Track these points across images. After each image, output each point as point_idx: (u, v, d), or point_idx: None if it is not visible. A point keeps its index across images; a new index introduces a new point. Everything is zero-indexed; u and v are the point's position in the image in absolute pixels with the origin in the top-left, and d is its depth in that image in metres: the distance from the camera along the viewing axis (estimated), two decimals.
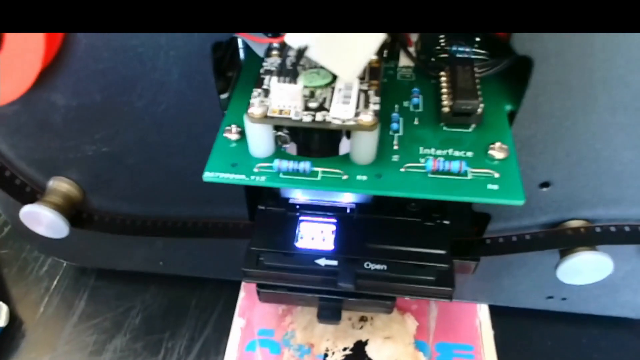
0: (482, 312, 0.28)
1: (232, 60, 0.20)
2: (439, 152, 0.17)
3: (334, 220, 0.22)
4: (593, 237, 0.20)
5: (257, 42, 0.17)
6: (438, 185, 0.16)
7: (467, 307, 0.28)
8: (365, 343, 0.26)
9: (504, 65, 0.18)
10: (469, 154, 0.17)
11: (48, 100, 0.19)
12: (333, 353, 0.26)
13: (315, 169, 0.16)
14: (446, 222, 0.22)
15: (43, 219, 0.22)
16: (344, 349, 0.26)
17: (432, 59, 0.19)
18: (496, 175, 0.16)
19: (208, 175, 0.17)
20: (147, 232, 0.24)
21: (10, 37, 0.16)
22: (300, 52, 0.14)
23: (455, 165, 0.16)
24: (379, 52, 0.17)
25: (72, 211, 0.23)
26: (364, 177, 0.16)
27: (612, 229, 0.21)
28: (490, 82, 0.19)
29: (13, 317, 0.28)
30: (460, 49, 0.19)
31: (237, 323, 0.27)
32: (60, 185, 0.22)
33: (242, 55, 0.21)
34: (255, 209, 0.23)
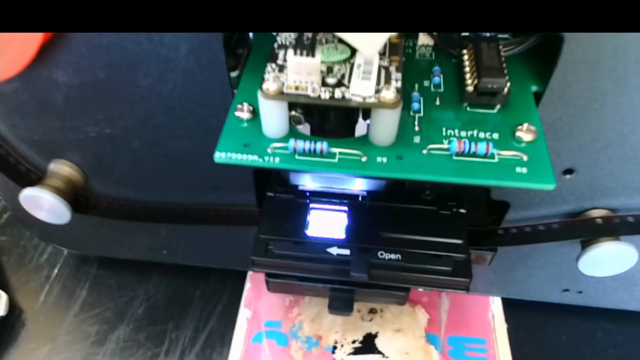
0: (495, 305, 0.27)
1: (241, 37, 0.19)
2: (462, 133, 0.16)
3: (345, 208, 0.21)
4: (617, 227, 0.20)
5: None
6: (463, 169, 0.15)
7: (479, 299, 0.27)
8: (375, 336, 0.26)
9: (530, 43, 0.17)
10: (495, 135, 0.16)
11: (49, 78, 0.18)
12: (342, 345, 0.25)
13: (333, 149, 0.16)
14: (462, 210, 0.21)
15: (44, 203, 0.21)
16: (353, 342, 0.25)
17: (454, 37, 0.18)
18: (525, 157, 0.15)
19: (219, 156, 0.16)
20: (151, 218, 0.23)
21: None
22: None
23: (481, 147, 0.15)
24: None
25: (74, 196, 0.22)
26: (384, 159, 0.15)
27: (633, 219, 0.20)
28: (515, 62, 0.18)
29: (13, 306, 0.27)
30: None
31: (244, 314, 0.27)
32: (62, 168, 0.22)
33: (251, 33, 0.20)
34: (263, 195, 0.22)
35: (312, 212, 0.21)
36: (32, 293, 0.28)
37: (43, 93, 0.19)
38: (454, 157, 0.15)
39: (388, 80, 0.15)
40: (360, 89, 0.14)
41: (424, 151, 0.15)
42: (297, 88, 0.15)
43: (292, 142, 0.15)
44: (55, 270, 0.29)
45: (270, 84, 0.15)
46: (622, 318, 0.26)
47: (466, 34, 0.18)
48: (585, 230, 0.20)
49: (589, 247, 0.20)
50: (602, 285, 0.24)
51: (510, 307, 0.27)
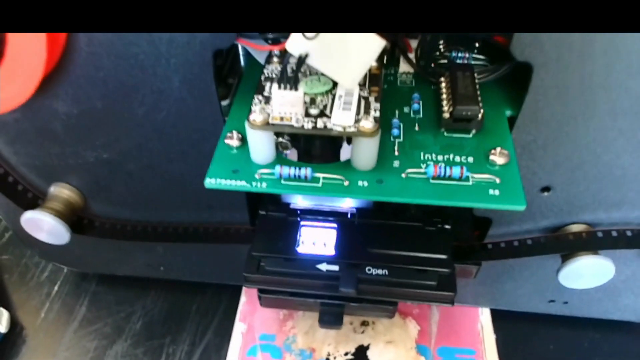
0: (484, 316, 0.28)
1: (232, 67, 0.20)
2: (439, 157, 0.17)
3: (334, 225, 0.22)
4: (595, 241, 0.20)
5: (258, 49, 0.17)
6: (439, 191, 0.16)
7: (468, 311, 0.28)
8: (367, 348, 0.26)
9: (503, 71, 0.18)
10: (470, 159, 0.17)
11: (49, 108, 0.19)
12: (335, 358, 0.26)
13: (317, 174, 0.16)
14: (447, 226, 0.22)
15: (44, 225, 0.22)
16: (346, 354, 0.26)
17: (432, 65, 0.19)
18: (497, 180, 0.16)
19: (210, 182, 0.17)
20: (147, 237, 0.24)
21: (12, 45, 0.16)
22: (301, 60, 0.14)
23: (456, 171, 0.16)
24: (379, 59, 0.17)
25: (73, 217, 0.23)
26: (365, 183, 0.16)
27: (614, 233, 0.21)
28: (490, 88, 0.19)
29: (14, 323, 0.28)
30: (460, 54, 0.19)
31: (238, 328, 0.27)
32: (61, 191, 0.22)
33: (242, 62, 0.21)
34: (256, 214, 0.23)
35: (302, 229, 0.22)
36: (32, 310, 0.28)
37: (43, 122, 0.20)
38: (431, 181, 0.16)
39: (367, 110, 0.16)
40: (341, 119, 0.15)
41: (403, 175, 0.16)
42: (281, 119, 0.16)
43: (278, 169, 0.16)
44: (56, 288, 0.29)
45: (256, 115, 0.16)
46: (609, 327, 0.27)
47: (444, 61, 0.19)
48: (564, 245, 0.21)
49: (569, 261, 0.21)
50: (586, 295, 0.25)
51: (499, 318, 0.27)
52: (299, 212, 0.23)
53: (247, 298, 0.28)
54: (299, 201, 0.23)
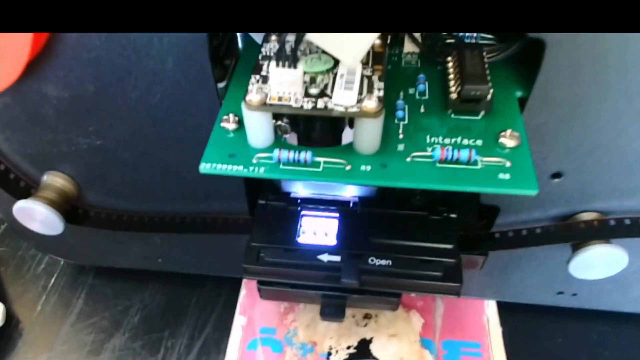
0: (490, 308, 0.27)
1: (229, 48, 0.19)
2: (446, 140, 0.16)
3: (336, 214, 0.22)
4: (607, 230, 0.20)
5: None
6: (446, 175, 0.15)
7: (474, 303, 0.27)
8: (370, 341, 0.26)
9: (514, 50, 0.17)
10: (479, 142, 0.16)
11: (39, 92, 0.18)
12: (337, 351, 0.25)
13: (317, 159, 0.16)
14: (453, 215, 0.21)
15: (37, 215, 0.21)
16: (348, 347, 0.25)
17: (439, 44, 0.18)
18: (508, 164, 0.15)
19: (205, 167, 0.16)
20: (144, 228, 0.23)
21: None
22: (300, 36, 0.13)
23: (464, 154, 0.15)
24: (383, 37, 0.17)
25: (67, 207, 0.22)
26: (368, 167, 0.16)
27: (627, 221, 0.20)
28: (499, 68, 0.18)
29: (10, 316, 0.27)
30: (468, 33, 0.18)
31: (239, 321, 0.27)
32: (55, 180, 0.22)
33: (240, 42, 0.20)
34: (255, 203, 0.22)
35: (303, 219, 0.22)
36: (29, 303, 0.28)
37: (34, 107, 0.19)
38: (437, 165, 0.15)
39: (370, 90, 0.15)
40: (343, 99, 0.15)
41: (408, 159, 0.16)
42: (280, 99, 0.15)
43: (276, 152, 0.16)
44: (52, 280, 0.29)
45: (253, 95, 0.15)
46: (618, 320, 0.26)
47: (451, 40, 0.18)
48: (574, 234, 0.20)
49: (580, 250, 0.20)
50: (596, 287, 0.24)
51: (505, 310, 0.26)
52: (299, 201, 0.22)
53: (247, 291, 0.28)
54: (300, 190, 0.22)
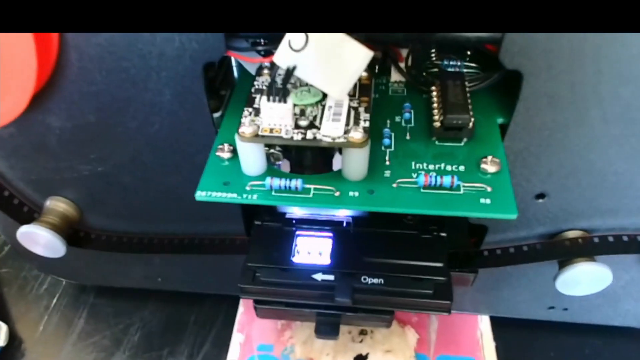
0: (484, 323, 0.27)
1: (225, 79, 0.20)
2: (431, 166, 0.17)
3: (330, 234, 0.22)
4: (591, 247, 0.20)
5: (248, 61, 0.17)
6: (431, 201, 0.16)
7: (467, 318, 0.28)
8: (366, 357, 0.26)
9: (494, 79, 0.18)
10: (461, 168, 0.17)
11: (43, 123, 0.19)
12: None
13: (307, 186, 0.16)
14: (443, 234, 0.22)
15: (40, 239, 0.22)
16: None
17: (424, 74, 0.19)
18: (488, 189, 0.16)
19: (200, 195, 0.17)
20: (144, 249, 0.24)
21: (3, 61, 0.16)
22: (289, 72, 0.14)
23: (447, 180, 0.16)
24: (370, 68, 0.17)
25: (69, 230, 0.23)
26: (356, 194, 0.16)
27: (610, 239, 0.20)
28: (482, 95, 0.19)
29: (13, 336, 0.28)
30: (452, 62, 0.19)
31: (236, 338, 0.27)
32: (57, 204, 0.23)
33: (235, 73, 0.21)
34: (251, 224, 0.23)
35: (298, 239, 0.22)
36: (31, 323, 0.28)
37: (38, 136, 0.20)
38: (422, 190, 0.16)
39: (357, 121, 0.16)
40: (331, 130, 0.15)
41: (394, 185, 0.16)
42: (271, 130, 0.16)
43: (268, 180, 0.16)
44: (54, 300, 0.29)
45: (246, 127, 0.16)
46: (609, 334, 0.26)
47: (435, 70, 0.19)
48: (560, 251, 0.21)
49: (565, 268, 0.20)
50: (586, 302, 0.24)
51: (499, 325, 0.27)
52: (294, 221, 0.23)
53: (245, 308, 0.28)
54: (295, 210, 0.23)
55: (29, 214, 0.23)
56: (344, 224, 0.23)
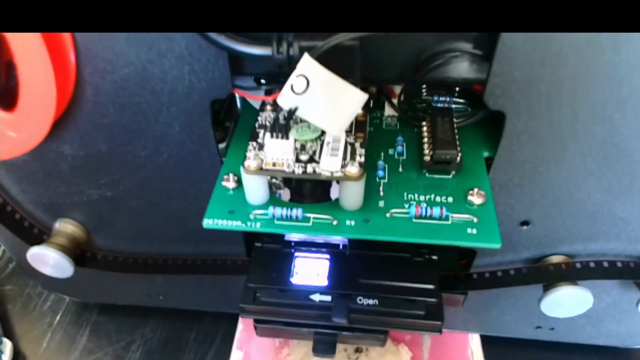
0: (474, 341, 0.28)
1: (229, 111, 0.22)
2: (422, 197, 0.18)
3: (327, 256, 0.23)
4: (573, 272, 0.21)
5: (253, 99, 0.18)
6: (422, 230, 0.17)
7: (459, 337, 0.28)
8: None
9: (480, 116, 0.19)
10: (450, 199, 0.18)
11: (56, 151, 0.20)
12: None
13: (307, 215, 0.18)
14: (434, 257, 0.23)
15: (49, 260, 0.23)
16: None
17: (417, 106, 0.20)
18: (475, 220, 0.17)
19: (207, 223, 0.18)
20: (148, 269, 0.25)
21: (24, 95, 0.17)
22: (291, 113, 0.16)
23: (436, 211, 0.17)
24: (366, 104, 0.19)
25: (77, 251, 0.24)
26: (353, 222, 0.17)
27: (592, 264, 0.22)
28: (469, 130, 0.20)
29: (17, 353, 0.28)
30: (441, 98, 0.21)
31: (235, 356, 0.28)
32: (66, 226, 0.24)
33: (239, 105, 0.22)
34: (252, 245, 0.24)
35: (296, 260, 0.23)
36: (35, 340, 0.29)
37: (51, 163, 0.21)
38: (414, 220, 0.17)
39: (353, 156, 0.17)
40: (329, 164, 0.17)
41: (388, 215, 0.18)
42: (274, 164, 0.17)
43: (271, 209, 0.17)
44: (58, 317, 0.30)
45: (251, 161, 0.17)
46: (594, 352, 0.27)
47: (424, 105, 0.21)
48: (544, 275, 0.22)
49: (549, 291, 0.22)
50: (571, 322, 0.26)
51: (489, 343, 0.28)
52: (293, 243, 0.24)
53: (244, 326, 0.29)
54: (294, 233, 0.24)
55: (39, 236, 0.24)
56: (341, 247, 0.24)
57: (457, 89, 0.21)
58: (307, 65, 0.15)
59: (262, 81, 0.18)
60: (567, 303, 0.22)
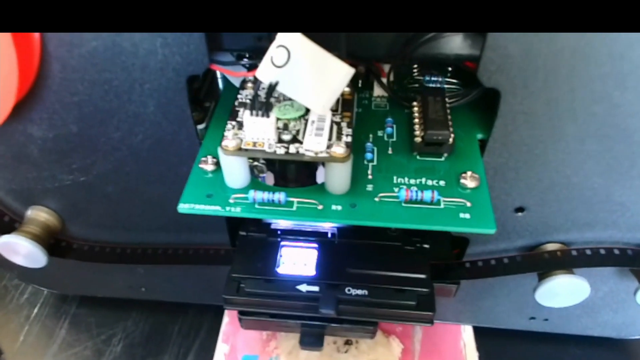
0: (467, 333, 0.28)
1: (210, 91, 0.20)
2: (412, 181, 0.17)
3: (315, 245, 0.22)
4: (570, 260, 0.21)
5: (232, 75, 0.17)
6: (411, 215, 0.16)
7: (451, 328, 0.28)
8: None
9: (473, 96, 0.18)
10: (442, 182, 0.17)
11: (24, 132, 0.19)
12: None
13: (291, 199, 0.17)
14: (426, 245, 0.22)
15: (20, 249, 0.22)
16: None
17: (408, 86, 0.19)
18: (468, 204, 0.16)
19: (183, 207, 0.17)
20: (127, 259, 0.24)
21: None
22: (271, 88, 0.14)
23: (427, 195, 0.16)
24: (353, 83, 0.18)
25: (51, 240, 0.23)
26: (339, 207, 0.16)
27: (588, 252, 0.21)
28: (462, 111, 0.19)
29: None
30: (433, 78, 0.19)
31: (221, 349, 0.27)
32: (39, 214, 0.22)
33: (220, 85, 0.21)
34: (236, 234, 0.23)
35: (283, 249, 0.22)
36: (12, 333, 0.28)
37: (19, 146, 0.20)
38: (403, 204, 0.16)
39: (339, 136, 0.16)
40: (313, 144, 0.15)
41: (376, 199, 0.17)
42: (254, 144, 0.16)
43: (252, 193, 0.16)
44: (35, 310, 0.29)
45: (229, 141, 0.16)
46: (589, 343, 0.27)
47: (416, 85, 0.20)
48: (539, 264, 0.21)
49: (544, 280, 0.21)
50: (565, 312, 0.25)
51: (481, 334, 0.27)
52: (279, 232, 0.23)
53: (230, 318, 0.28)
54: (280, 221, 0.23)
55: (10, 224, 0.23)
56: (329, 235, 0.23)
57: (450, 69, 0.20)
58: (288, 35, 0.14)
59: (245, 57, 0.17)
60: (563, 292, 0.21)
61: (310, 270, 0.21)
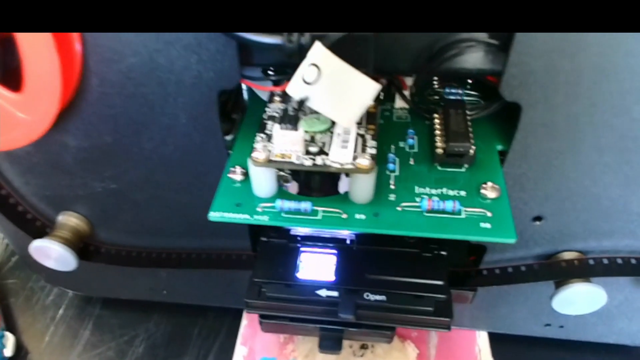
0: (482, 339, 0.28)
1: (236, 103, 0.21)
2: (433, 191, 0.18)
3: (334, 251, 0.23)
4: (587, 269, 0.21)
5: (260, 89, 0.18)
6: (433, 224, 0.17)
7: (466, 334, 0.28)
8: None
9: (494, 109, 0.19)
10: (462, 193, 0.17)
11: (60, 142, 0.20)
12: None
13: (316, 208, 0.17)
14: (443, 253, 0.22)
15: (52, 253, 0.23)
16: None
17: (428, 98, 0.20)
18: (489, 214, 0.17)
19: (213, 215, 0.17)
20: (152, 263, 0.25)
21: (28, 84, 0.17)
22: (301, 103, 0.15)
23: (449, 205, 0.17)
24: (376, 96, 0.18)
25: (80, 244, 0.24)
26: (363, 216, 0.17)
27: (605, 261, 0.21)
28: (482, 123, 0.20)
29: (19, 347, 0.28)
30: (453, 90, 0.20)
31: (240, 351, 0.28)
32: (69, 219, 0.23)
33: (246, 97, 0.22)
34: (257, 240, 0.23)
35: (302, 255, 0.23)
36: (38, 334, 0.29)
37: (54, 155, 0.20)
38: (425, 214, 0.17)
39: (364, 148, 0.17)
40: (339, 156, 0.16)
41: (398, 208, 0.17)
42: (283, 156, 0.16)
43: (279, 202, 0.17)
44: (60, 311, 0.30)
45: (259, 152, 0.16)
46: (604, 351, 0.27)
47: (436, 98, 0.20)
48: (556, 272, 0.21)
49: (561, 288, 0.21)
50: (582, 320, 0.25)
51: (496, 341, 0.28)
52: (299, 238, 0.23)
53: (249, 321, 0.29)
54: (300, 228, 0.24)
55: (42, 229, 0.24)
56: (348, 241, 0.23)
57: (470, 81, 0.20)
58: (319, 53, 0.14)
59: (270, 72, 0.17)
60: (580, 300, 0.21)
61: (329, 275, 0.22)
